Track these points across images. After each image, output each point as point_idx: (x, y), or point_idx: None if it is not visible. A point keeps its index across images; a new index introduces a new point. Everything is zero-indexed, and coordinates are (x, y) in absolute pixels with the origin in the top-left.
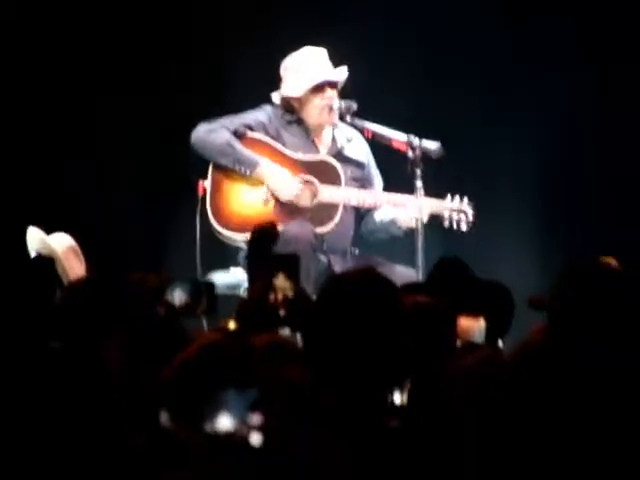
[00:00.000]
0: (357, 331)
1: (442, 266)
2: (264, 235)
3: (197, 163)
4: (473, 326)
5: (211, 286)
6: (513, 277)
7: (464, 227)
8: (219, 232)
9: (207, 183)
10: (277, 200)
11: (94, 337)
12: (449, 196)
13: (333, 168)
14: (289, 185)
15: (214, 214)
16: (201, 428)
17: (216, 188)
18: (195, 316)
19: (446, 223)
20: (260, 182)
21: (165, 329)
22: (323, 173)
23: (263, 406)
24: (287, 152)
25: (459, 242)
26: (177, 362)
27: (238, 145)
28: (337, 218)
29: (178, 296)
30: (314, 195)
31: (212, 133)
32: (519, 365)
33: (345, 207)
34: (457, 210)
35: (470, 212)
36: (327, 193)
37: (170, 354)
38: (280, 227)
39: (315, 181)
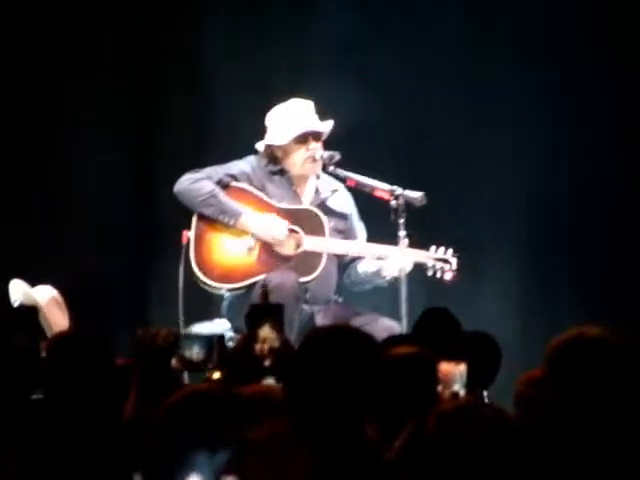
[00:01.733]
0: (335, 383)
1: (428, 317)
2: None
3: (181, 213)
4: (454, 371)
5: (222, 339)
6: (495, 328)
7: (448, 277)
8: (203, 282)
9: (191, 233)
10: (261, 249)
11: (79, 390)
12: (433, 247)
13: (317, 218)
14: (275, 228)
15: (198, 264)
16: None
17: (200, 238)
18: (206, 371)
19: (429, 272)
20: (244, 232)
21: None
22: (307, 222)
23: (237, 467)
24: (271, 201)
25: (442, 293)
26: (157, 415)
27: (222, 195)
28: (321, 267)
29: (193, 351)
30: (298, 244)
31: (196, 183)
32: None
33: (328, 256)
34: (441, 260)
35: (454, 262)
36: (311, 242)
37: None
38: (263, 276)
39: (299, 230)
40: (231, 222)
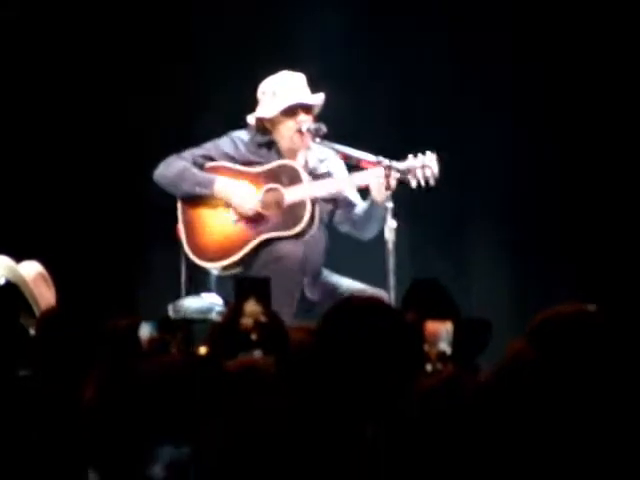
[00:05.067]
0: (366, 355)
1: (417, 288)
2: None
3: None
4: (440, 329)
5: (186, 322)
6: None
7: (432, 182)
8: (204, 266)
9: (179, 224)
10: (245, 217)
11: (69, 367)
12: (410, 156)
13: (291, 168)
14: (250, 196)
15: (193, 252)
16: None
17: (188, 225)
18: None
19: (413, 183)
20: (225, 207)
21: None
22: (284, 177)
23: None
24: (245, 169)
25: (429, 263)
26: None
27: (194, 169)
28: (307, 214)
29: (147, 334)
30: (280, 201)
31: (169, 165)
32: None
33: (315, 223)
34: (422, 166)
35: (435, 165)
36: (292, 194)
37: None
38: (259, 239)
39: (278, 187)
40: (207, 192)
